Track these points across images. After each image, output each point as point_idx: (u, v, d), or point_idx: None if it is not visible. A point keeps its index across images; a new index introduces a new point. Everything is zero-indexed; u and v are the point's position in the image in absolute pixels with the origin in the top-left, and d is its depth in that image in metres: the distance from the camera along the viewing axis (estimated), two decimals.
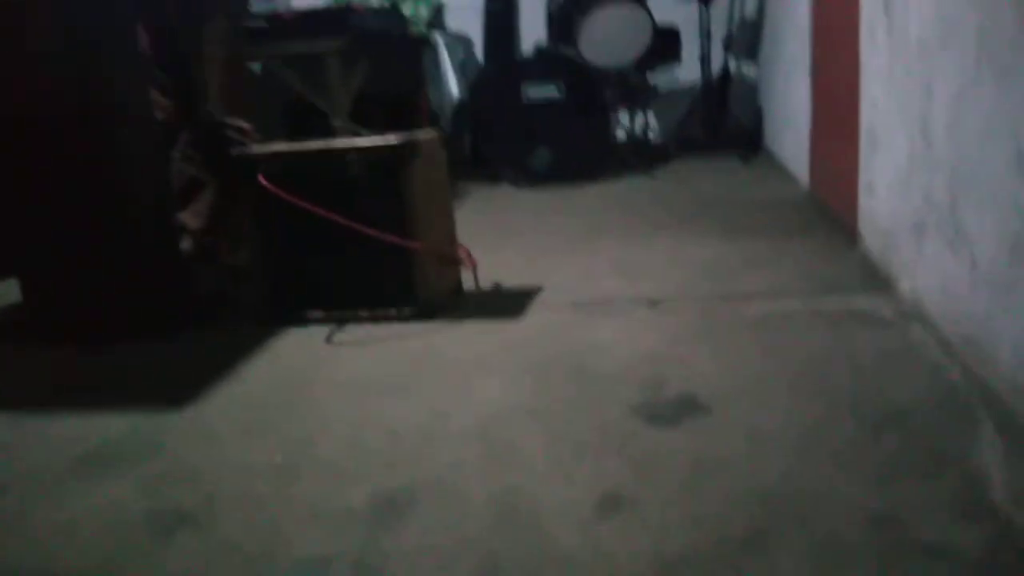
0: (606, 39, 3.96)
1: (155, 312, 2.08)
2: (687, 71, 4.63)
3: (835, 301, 1.92)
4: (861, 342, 1.67)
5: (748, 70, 4.99)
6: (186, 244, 2.65)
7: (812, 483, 1.18)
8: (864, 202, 2.30)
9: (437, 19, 4.70)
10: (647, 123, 4.72)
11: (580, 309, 2.05)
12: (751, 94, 4.94)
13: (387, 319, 2.05)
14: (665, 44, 4.32)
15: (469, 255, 2.26)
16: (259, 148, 2.12)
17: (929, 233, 1.72)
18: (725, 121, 4.64)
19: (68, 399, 1.76)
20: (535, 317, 2.03)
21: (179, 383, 1.78)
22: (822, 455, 1.25)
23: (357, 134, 2.12)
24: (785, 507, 1.13)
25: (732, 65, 4.82)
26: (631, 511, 1.15)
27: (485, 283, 2.28)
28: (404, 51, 4.08)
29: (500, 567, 1.05)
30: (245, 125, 2.55)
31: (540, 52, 4.17)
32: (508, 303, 2.13)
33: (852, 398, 1.43)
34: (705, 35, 4.54)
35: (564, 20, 4.22)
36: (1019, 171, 1.27)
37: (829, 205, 2.81)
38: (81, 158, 1.99)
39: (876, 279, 2.05)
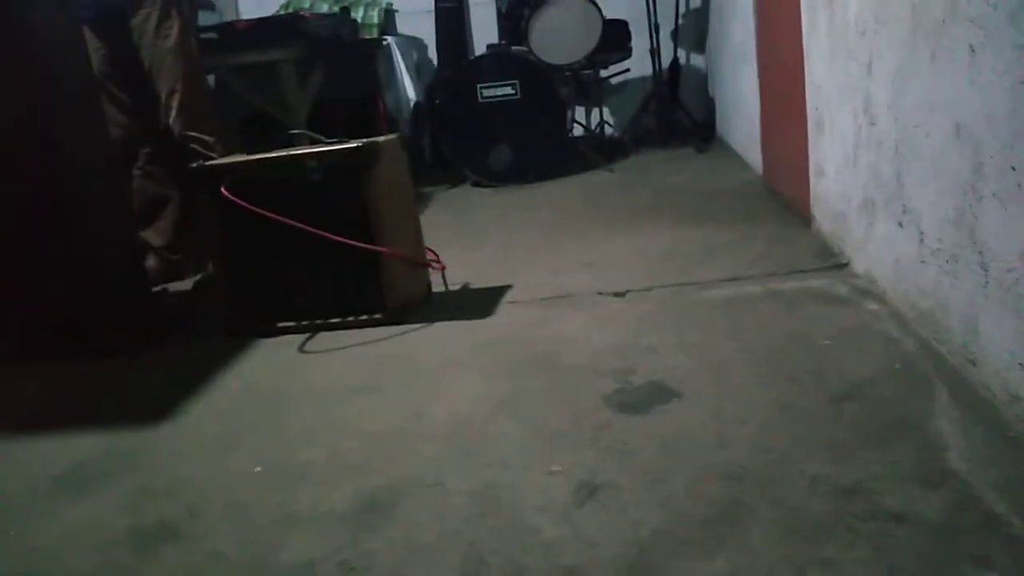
0: (557, 36, 4.00)
1: (122, 331, 2.07)
2: (638, 64, 4.69)
3: (792, 282, 1.98)
4: (819, 321, 1.73)
5: (697, 61, 5.08)
6: (151, 262, 2.64)
7: (779, 459, 1.22)
8: (815, 184, 2.36)
9: (388, 23, 4.70)
10: (602, 118, 4.78)
11: (549, 304, 2.08)
12: (702, 84, 5.02)
13: (358, 325, 2.07)
14: (615, 38, 4.38)
15: (437, 257, 2.28)
16: (219, 160, 2.12)
17: (878, 210, 1.78)
18: (677, 112, 4.72)
19: (39, 421, 1.75)
20: (505, 315, 2.06)
21: (152, 400, 1.78)
22: (787, 432, 1.30)
23: (316, 141, 2.12)
24: (754, 484, 1.17)
25: (682, 56, 4.90)
26: (607, 497, 1.18)
27: (454, 284, 2.30)
28: (358, 56, 4.08)
29: (484, 558, 1.08)
30: (208, 138, 2.54)
31: (493, 52, 4.20)
32: (478, 303, 2.16)
33: (813, 375, 1.48)
34: (654, 28, 4.61)
35: (515, 19, 4.26)
36: (958, 144, 1.33)
37: (782, 189, 2.88)
38: (36, 179, 1.98)
39: (830, 259, 2.11)
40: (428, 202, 3.75)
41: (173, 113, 2.54)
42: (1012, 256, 1.17)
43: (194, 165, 2.10)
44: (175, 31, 2.53)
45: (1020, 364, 1.18)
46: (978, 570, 0.94)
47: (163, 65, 2.53)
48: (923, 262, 1.53)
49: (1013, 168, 1.15)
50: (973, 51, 1.25)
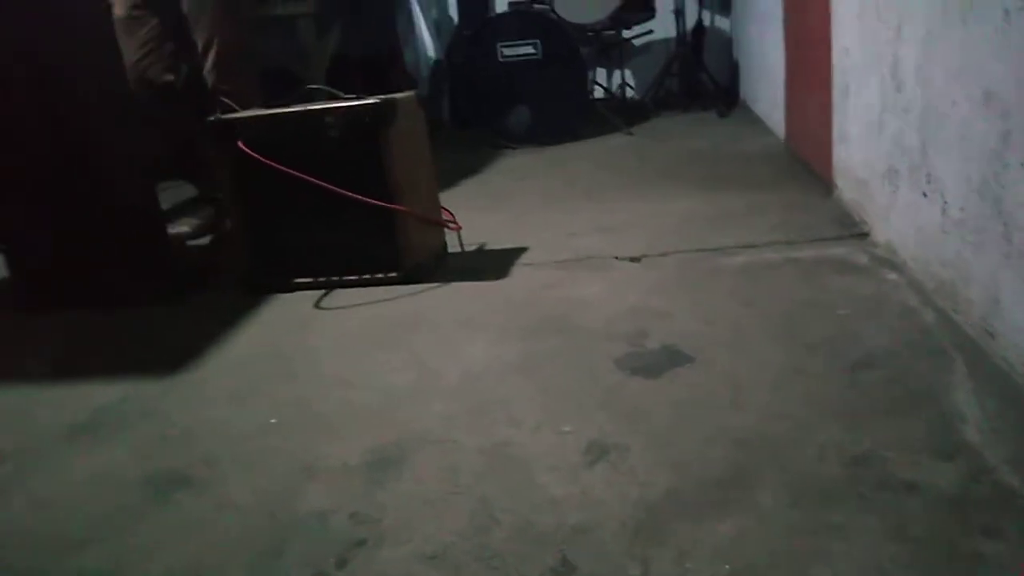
0: None
1: (139, 282, 2.09)
2: (662, 26, 4.61)
3: (811, 250, 1.96)
4: (837, 289, 1.71)
5: (722, 23, 4.98)
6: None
7: (790, 426, 1.22)
8: (838, 151, 2.33)
9: None
10: (624, 80, 4.72)
11: (564, 267, 2.07)
12: (726, 48, 4.93)
13: (374, 283, 2.07)
14: None
15: (453, 218, 2.27)
16: (235, 114, 2.11)
17: (901, 179, 1.75)
18: (701, 76, 4.64)
19: (56, 369, 1.77)
20: (520, 277, 2.05)
21: (167, 351, 1.79)
22: (800, 399, 1.29)
23: (334, 97, 2.10)
24: (765, 449, 1.17)
25: (706, 18, 4.81)
26: (617, 458, 1.19)
27: (470, 245, 2.29)
28: (377, 11, 4.04)
29: (493, 515, 1.09)
30: (242, 92, 2.51)
31: (514, 9, 4.14)
32: (493, 264, 2.15)
33: (829, 343, 1.47)
34: None
35: None
36: (986, 111, 1.30)
37: (805, 156, 2.84)
38: (56, 129, 1.98)
39: (851, 227, 2.09)
40: (446, 163, 3.72)
41: (209, 64, 2.50)
42: None
43: (210, 119, 2.08)
44: None
45: None
46: (989, 541, 0.93)
47: (201, 14, 2.49)
48: (945, 232, 1.50)
49: None
50: (1008, 15, 1.21)
